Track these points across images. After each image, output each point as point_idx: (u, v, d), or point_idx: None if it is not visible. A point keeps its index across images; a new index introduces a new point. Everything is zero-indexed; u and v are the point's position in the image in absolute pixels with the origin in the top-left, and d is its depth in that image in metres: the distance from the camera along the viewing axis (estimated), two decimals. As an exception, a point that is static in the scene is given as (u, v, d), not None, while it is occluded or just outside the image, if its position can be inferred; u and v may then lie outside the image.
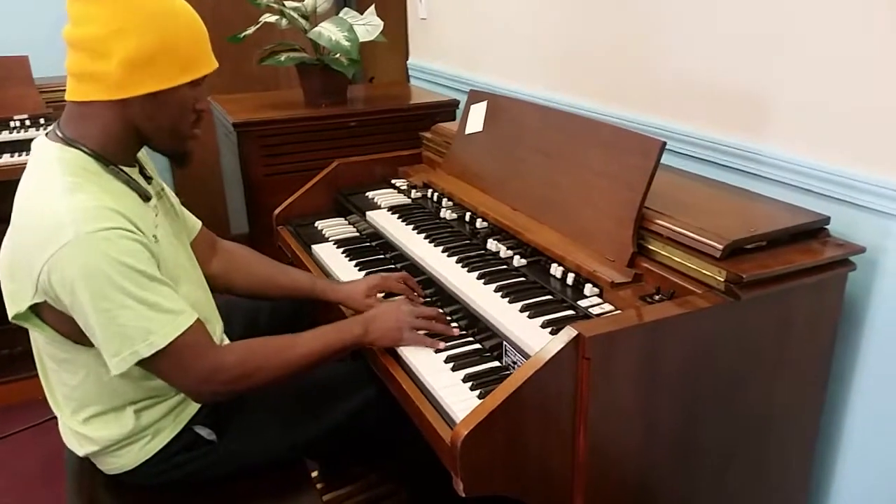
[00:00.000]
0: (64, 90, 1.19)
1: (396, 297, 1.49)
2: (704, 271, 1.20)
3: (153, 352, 1.11)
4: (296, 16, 2.28)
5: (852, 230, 1.30)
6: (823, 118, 1.34)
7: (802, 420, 1.35)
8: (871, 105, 1.26)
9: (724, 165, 1.55)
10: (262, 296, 1.59)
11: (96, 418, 1.27)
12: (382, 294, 1.52)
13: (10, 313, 1.17)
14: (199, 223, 1.56)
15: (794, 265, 1.19)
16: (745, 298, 1.14)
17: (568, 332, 1.06)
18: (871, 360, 1.34)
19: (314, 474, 1.93)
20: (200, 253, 1.51)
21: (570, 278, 1.36)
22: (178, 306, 1.15)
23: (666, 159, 1.62)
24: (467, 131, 1.86)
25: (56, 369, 1.27)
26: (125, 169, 1.24)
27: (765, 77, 1.44)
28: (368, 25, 2.25)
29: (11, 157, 2.65)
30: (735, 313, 1.17)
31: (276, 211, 1.99)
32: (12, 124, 2.76)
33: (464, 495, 1.07)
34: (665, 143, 1.31)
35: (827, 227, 1.29)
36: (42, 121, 2.81)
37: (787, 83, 1.40)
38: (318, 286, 1.56)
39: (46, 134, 1.21)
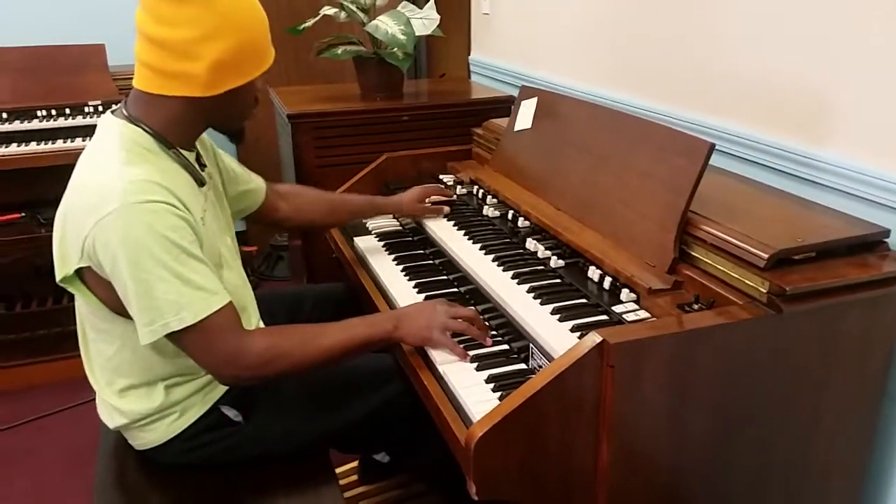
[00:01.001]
0: None
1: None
2: (747, 281, 1.13)
3: (182, 327, 1.13)
4: (354, 9, 2.29)
5: (916, 245, 1.21)
6: (888, 123, 1.25)
7: (849, 447, 1.26)
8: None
9: (779, 170, 1.47)
10: (332, 223, 1.85)
11: (128, 391, 1.30)
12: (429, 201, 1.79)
13: (58, 276, 1.22)
14: (263, 181, 1.63)
15: (844, 279, 1.11)
16: (788, 312, 1.08)
17: (592, 338, 1.02)
18: (932, 385, 1.24)
19: (350, 466, 1.93)
20: (272, 204, 1.64)
21: (608, 282, 1.31)
22: (213, 286, 1.17)
23: (719, 162, 1.57)
24: (516, 128, 1.83)
25: (95, 339, 1.31)
26: (183, 152, 1.27)
27: (827, 79, 1.35)
28: (425, 19, 2.24)
29: (84, 140, 2.77)
30: (777, 328, 1.10)
31: (325, 203, 2.00)
32: (87, 109, 2.87)
33: (476, 498, 1.04)
34: (713, 145, 1.24)
35: (886, 240, 1.20)
36: (115, 106, 2.91)
37: (850, 86, 1.31)
38: (375, 203, 1.80)
39: (113, 111, 1.26)
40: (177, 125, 1.23)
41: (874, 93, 1.27)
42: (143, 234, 1.11)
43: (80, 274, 1.20)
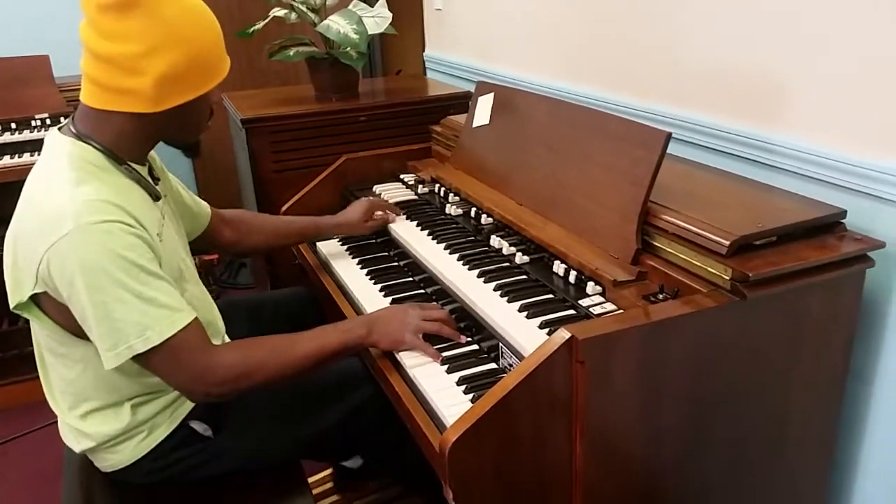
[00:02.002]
0: None
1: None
2: (710, 269, 1.14)
3: (148, 347, 1.10)
4: (304, 9, 2.25)
5: (872, 224, 1.23)
6: (841, 105, 1.27)
7: (817, 426, 1.28)
8: (891, 91, 1.18)
9: (737, 155, 1.48)
10: (276, 248, 1.79)
11: (93, 414, 1.26)
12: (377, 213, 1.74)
13: (12, 303, 1.17)
14: (208, 206, 1.61)
15: (805, 262, 1.12)
16: (752, 298, 1.08)
17: (561, 335, 1.01)
18: (893, 362, 1.27)
19: (324, 475, 1.91)
20: (215, 230, 1.61)
21: (573, 276, 1.31)
22: (177, 303, 1.14)
23: (678, 150, 1.58)
24: (474, 124, 1.82)
25: (54, 363, 1.27)
26: (136, 167, 1.23)
27: (780, 63, 1.37)
28: (377, 17, 2.21)
29: (32, 155, 2.69)
30: (742, 314, 1.11)
31: (284, 208, 1.96)
32: (33, 123, 2.78)
33: (453, 503, 1.03)
34: (670, 135, 1.25)
35: (843, 220, 1.22)
36: (62, 119, 2.81)
37: (803, 69, 1.33)
38: (320, 224, 1.73)
39: (60, 128, 1.21)
40: (127, 141, 1.19)
41: (826, 75, 1.29)
42: (100, 255, 1.07)
43: (36, 299, 1.16)
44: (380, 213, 1.75)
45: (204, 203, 1.59)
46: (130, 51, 1.11)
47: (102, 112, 1.16)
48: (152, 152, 1.34)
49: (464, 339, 1.29)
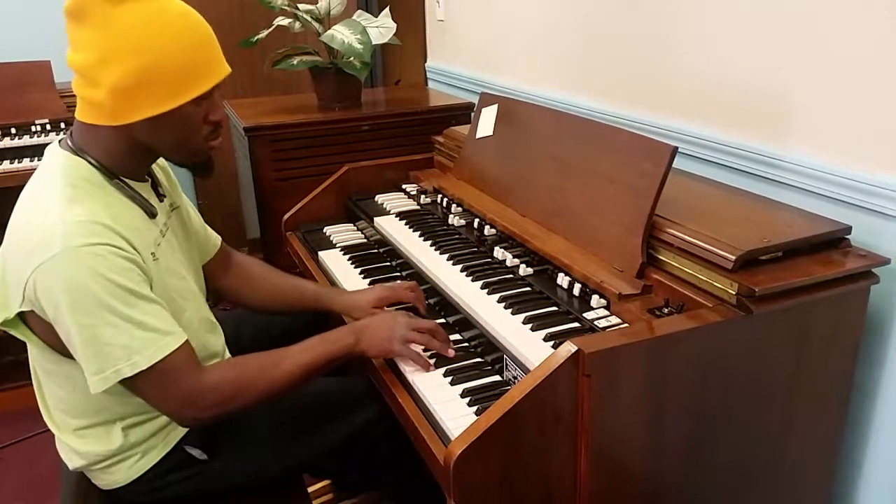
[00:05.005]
0: None
1: (399, 307, 1.44)
2: (716, 283, 1.14)
3: (136, 372, 1.08)
4: (309, 19, 2.26)
5: (876, 240, 1.23)
6: (846, 121, 1.27)
7: (822, 442, 1.28)
8: (896, 107, 1.19)
9: (741, 170, 1.49)
10: (271, 310, 1.57)
11: (85, 431, 1.24)
12: (391, 306, 1.46)
13: None
14: (218, 240, 1.54)
15: (811, 278, 1.12)
16: (758, 313, 1.08)
17: (567, 348, 1.01)
18: (898, 377, 1.27)
19: (323, 485, 1.89)
20: (215, 269, 1.52)
21: (577, 289, 1.31)
22: (167, 326, 1.12)
23: (682, 164, 1.58)
24: (478, 135, 1.82)
25: (46, 380, 1.25)
26: (131, 183, 1.20)
27: (785, 79, 1.37)
28: (382, 28, 2.22)
29: (32, 161, 2.68)
30: (748, 329, 1.11)
31: (286, 216, 1.97)
32: (34, 129, 2.78)
33: (457, 518, 1.02)
34: (676, 149, 1.25)
35: (848, 236, 1.22)
36: (63, 125, 2.83)
37: (808, 85, 1.33)
38: (323, 297, 1.52)
39: (59, 141, 1.19)
40: (116, 155, 1.16)
41: (832, 92, 1.29)
42: (88, 279, 1.04)
43: (24, 317, 1.14)
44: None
45: (215, 236, 1.53)
46: (86, 60, 1.09)
47: (88, 125, 1.14)
48: (167, 168, 1.31)
49: (451, 352, 1.27)
